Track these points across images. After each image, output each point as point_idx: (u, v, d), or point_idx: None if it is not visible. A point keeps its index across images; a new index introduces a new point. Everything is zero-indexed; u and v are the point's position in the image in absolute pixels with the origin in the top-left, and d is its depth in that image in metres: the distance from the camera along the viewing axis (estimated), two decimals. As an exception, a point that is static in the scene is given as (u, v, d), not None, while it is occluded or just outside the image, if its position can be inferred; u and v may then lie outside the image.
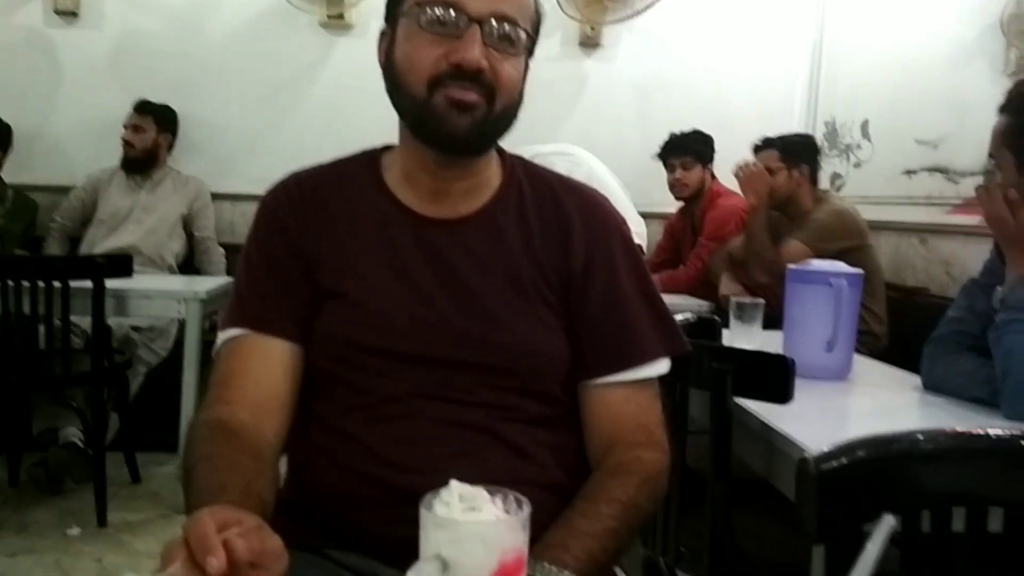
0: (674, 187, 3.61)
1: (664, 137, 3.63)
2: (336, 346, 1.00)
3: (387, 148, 1.11)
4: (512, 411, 1.00)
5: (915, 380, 1.69)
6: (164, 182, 3.72)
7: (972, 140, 2.88)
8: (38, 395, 2.97)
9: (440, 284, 1.01)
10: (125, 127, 3.67)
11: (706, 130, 3.62)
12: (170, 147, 3.80)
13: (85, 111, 3.93)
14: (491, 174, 1.07)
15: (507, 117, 1.01)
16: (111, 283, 2.73)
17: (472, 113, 0.96)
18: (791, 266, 1.84)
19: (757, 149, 3.21)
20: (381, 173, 1.08)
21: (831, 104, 4.06)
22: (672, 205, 3.78)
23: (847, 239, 2.88)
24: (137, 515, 2.84)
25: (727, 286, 3.19)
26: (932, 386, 1.63)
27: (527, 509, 0.63)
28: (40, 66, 3.94)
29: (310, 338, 1.01)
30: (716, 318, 1.78)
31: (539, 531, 0.79)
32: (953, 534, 0.95)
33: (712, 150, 3.61)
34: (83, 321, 2.82)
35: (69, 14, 3.92)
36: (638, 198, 2.75)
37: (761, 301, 1.99)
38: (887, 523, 0.58)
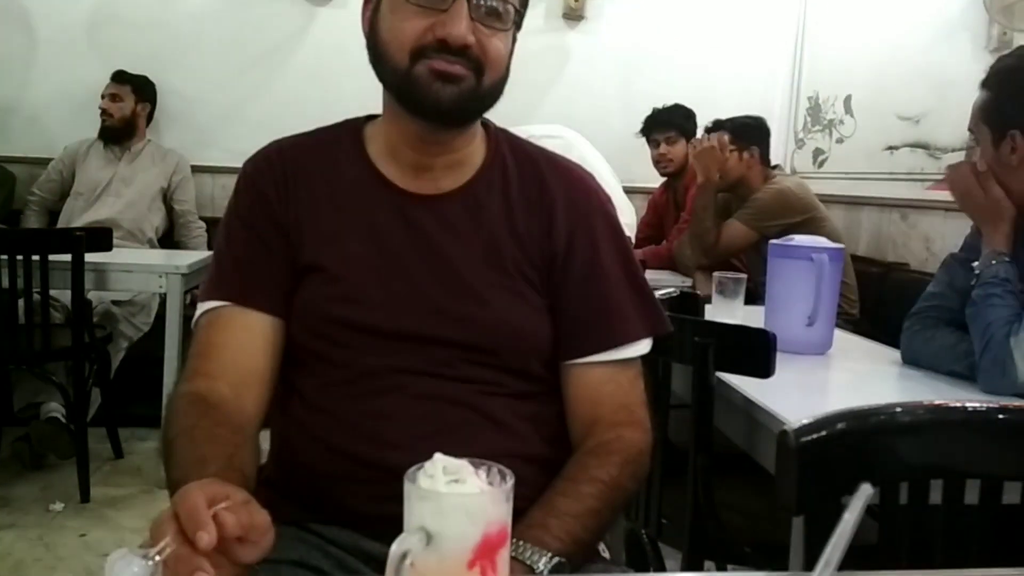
0: (658, 162, 3.61)
1: (647, 111, 3.62)
2: (315, 320, 0.99)
3: (371, 118, 1.09)
4: (493, 386, 0.99)
5: (894, 354, 1.71)
6: (143, 154, 3.68)
7: (954, 116, 2.89)
8: (19, 370, 2.95)
9: (420, 260, 1.00)
10: (103, 96, 3.62)
11: (689, 104, 3.61)
12: (149, 117, 3.76)
13: (62, 82, 3.86)
14: (475, 150, 1.06)
15: (493, 93, 0.99)
16: (91, 257, 2.70)
17: (458, 84, 0.94)
18: (773, 241, 1.85)
19: (708, 131, 3.21)
20: (364, 145, 1.06)
21: (814, 79, 4.06)
22: (655, 180, 3.77)
23: (788, 216, 2.89)
24: (120, 490, 2.84)
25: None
26: (911, 360, 1.65)
27: (511, 481, 0.63)
28: (15, 36, 3.86)
29: (290, 311, 1.00)
30: (698, 293, 1.79)
31: (523, 503, 0.79)
32: (930, 506, 0.96)
33: (695, 125, 3.59)
34: (63, 295, 2.80)
35: (44, -18, 3.83)
36: (621, 174, 2.75)
37: (743, 276, 2.01)
38: (864, 491, 0.59)
